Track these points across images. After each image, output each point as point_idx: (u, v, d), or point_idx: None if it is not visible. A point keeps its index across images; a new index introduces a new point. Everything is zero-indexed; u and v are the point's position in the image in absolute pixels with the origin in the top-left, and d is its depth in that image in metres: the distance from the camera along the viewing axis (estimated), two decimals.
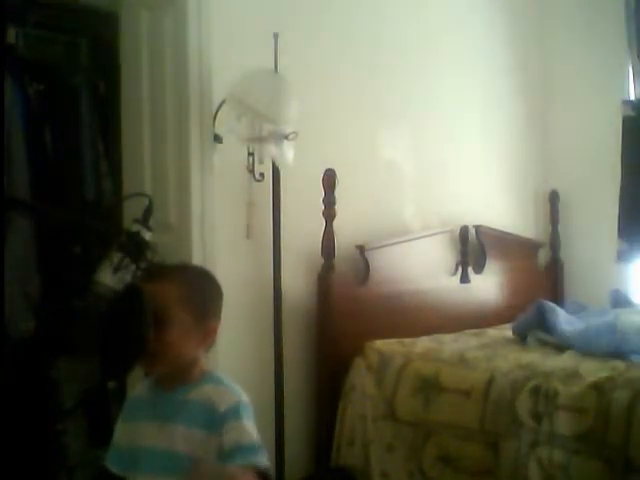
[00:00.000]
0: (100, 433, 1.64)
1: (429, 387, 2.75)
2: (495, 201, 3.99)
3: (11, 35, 3.06)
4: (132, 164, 2.96)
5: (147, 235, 1.94)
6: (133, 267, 1.87)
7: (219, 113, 2.73)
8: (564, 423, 2.39)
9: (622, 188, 3.78)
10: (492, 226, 3.79)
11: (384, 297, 3.19)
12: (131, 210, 2.31)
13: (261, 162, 2.78)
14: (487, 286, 3.77)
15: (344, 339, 2.99)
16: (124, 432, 1.61)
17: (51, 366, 2.94)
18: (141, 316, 1.48)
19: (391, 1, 3.44)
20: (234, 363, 2.71)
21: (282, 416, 2.82)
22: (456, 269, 3.61)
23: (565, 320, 3.14)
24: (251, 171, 2.81)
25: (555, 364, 2.70)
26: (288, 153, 2.67)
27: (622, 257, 3.84)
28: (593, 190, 4.07)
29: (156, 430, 1.54)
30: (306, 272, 3.03)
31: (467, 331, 3.38)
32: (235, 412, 1.50)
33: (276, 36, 2.74)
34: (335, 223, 2.96)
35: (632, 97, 3.89)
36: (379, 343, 3.00)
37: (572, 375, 2.54)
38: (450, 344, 3.09)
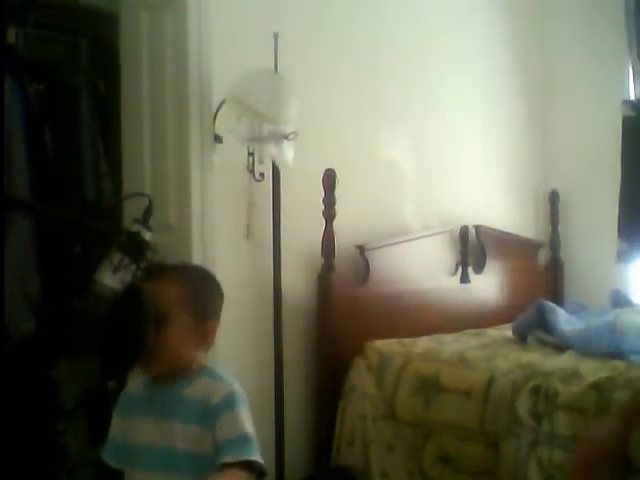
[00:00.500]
0: (100, 433, 1.64)
1: (429, 387, 2.75)
2: (495, 201, 3.99)
3: (11, 35, 3.05)
4: (132, 164, 2.95)
5: (147, 235, 1.95)
6: (133, 267, 1.88)
7: (219, 113, 2.73)
8: (564, 423, 2.39)
9: (622, 188, 3.77)
10: (492, 226, 3.79)
11: (384, 297, 3.19)
12: (131, 210, 2.32)
13: (261, 162, 2.78)
14: (487, 286, 3.77)
15: (344, 339, 2.99)
16: (120, 427, 1.61)
17: (51, 366, 2.94)
18: (141, 316, 1.48)
19: (391, 1, 3.44)
20: (234, 363, 2.71)
21: (282, 416, 2.82)
22: (456, 269, 3.61)
23: (565, 320, 3.14)
24: (251, 171, 2.80)
25: (555, 364, 2.70)
26: (288, 153, 2.67)
27: (622, 257, 3.83)
28: (593, 190, 4.07)
29: (153, 426, 1.54)
30: (306, 272, 3.03)
31: (467, 331, 3.37)
32: (228, 402, 1.51)
33: (276, 36, 2.74)
34: (335, 223, 2.96)
35: (632, 97, 3.89)
36: (379, 343, 3.00)
37: (572, 375, 2.54)
38: (450, 344, 3.09)
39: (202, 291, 1.61)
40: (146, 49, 2.89)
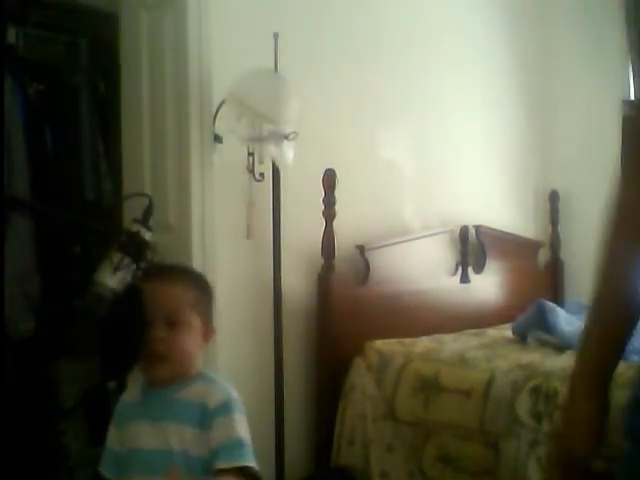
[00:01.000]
0: (100, 433, 1.64)
1: (429, 387, 2.75)
2: (495, 201, 3.99)
3: (11, 35, 3.06)
4: (132, 164, 2.95)
5: (147, 235, 1.94)
6: (133, 267, 1.87)
7: (219, 113, 2.73)
8: None
9: None
10: (492, 226, 3.79)
11: (384, 297, 3.19)
12: (131, 210, 2.31)
13: (261, 162, 2.78)
14: (487, 286, 3.77)
15: (344, 339, 2.99)
16: (117, 438, 1.60)
17: (51, 366, 2.94)
18: (141, 316, 1.48)
19: (391, 1, 3.44)
20: (234, 363, 2.71)
21: (282, 416, 2.82)
22: (456, 269, 3.61)
23: (565, 320, 3.14)
24: (251, 171, 2.80)
25: (555, 364, 2.70)
26: (288, 153, 2.68)
27: None
28: (593, 190, 4.05)
29: (149, 429, 1.54)
30: (306, 272, 3.03)
31: (467, 331, 3.38)
32: (224, 407, 1.50)
33: (276, 36, 2.74)
34: (335, 223, 2.96)
35: (632, 97, 3.89)
36: (379, 343, 3.00)
37: None
38: (450, 344, 3.09)
39: (208, 294, 1.63)
40: (146, 49, 2.89)
